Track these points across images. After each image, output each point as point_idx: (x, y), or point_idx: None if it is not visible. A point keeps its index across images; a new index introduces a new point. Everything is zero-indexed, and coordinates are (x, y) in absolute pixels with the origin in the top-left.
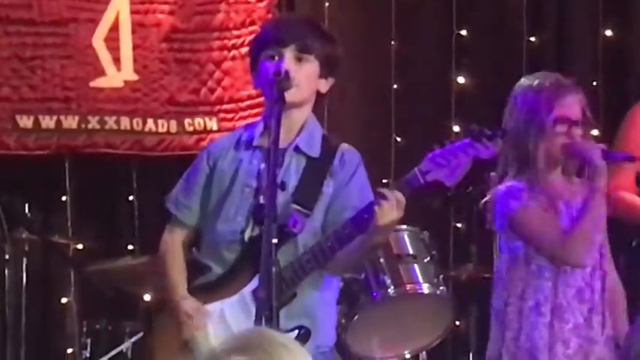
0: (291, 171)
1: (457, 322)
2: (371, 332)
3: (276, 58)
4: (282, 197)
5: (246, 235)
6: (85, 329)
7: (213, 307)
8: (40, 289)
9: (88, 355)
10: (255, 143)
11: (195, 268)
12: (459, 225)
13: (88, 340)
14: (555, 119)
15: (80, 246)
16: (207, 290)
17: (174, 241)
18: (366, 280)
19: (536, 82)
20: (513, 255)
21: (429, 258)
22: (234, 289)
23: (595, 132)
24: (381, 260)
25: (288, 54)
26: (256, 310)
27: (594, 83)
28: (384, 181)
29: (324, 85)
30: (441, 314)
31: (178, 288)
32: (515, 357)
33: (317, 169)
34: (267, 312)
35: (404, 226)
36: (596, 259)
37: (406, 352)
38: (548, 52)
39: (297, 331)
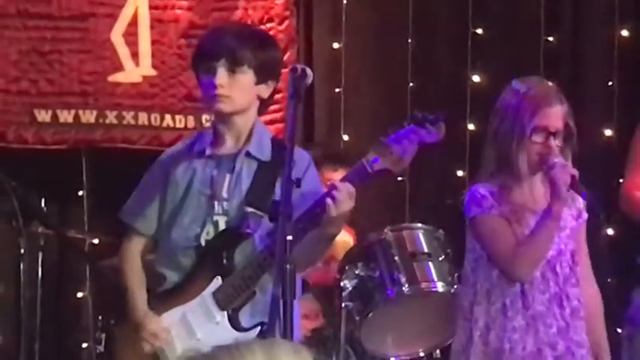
0: (243, 175)
1: None
2: (385, 330)
3: (210, 72)
4: (235, 200)
5: (202, 240)
6: (99, 324)
7: (175, 312)
8: (56, 284)
9: (102, 349)
10: (207, 152)
11: (151, 276)
12: None
13: (103, 335)
14: (534, 128)
15: (96, 241)
16: (166, 298)
17: (132, 252)
18: (381, 277)
19: (524, 89)
20: (478, 255)
21: (443, 256)
22: (193, 293)
23: (609, 132)
24: (396, 258)
25: (221, 68)
26: (270, 308)
27: (610, 83)
28: (400, 178)
29: (265, 90)
30: (455, 313)
31: (138, 303)
32: (484, 355)
33: (268, 172)
34: (280, 308)
35: (419, 224)
36: (570, 267)
37: (420, 350)
38: (564, 51)
39: (259, 328)
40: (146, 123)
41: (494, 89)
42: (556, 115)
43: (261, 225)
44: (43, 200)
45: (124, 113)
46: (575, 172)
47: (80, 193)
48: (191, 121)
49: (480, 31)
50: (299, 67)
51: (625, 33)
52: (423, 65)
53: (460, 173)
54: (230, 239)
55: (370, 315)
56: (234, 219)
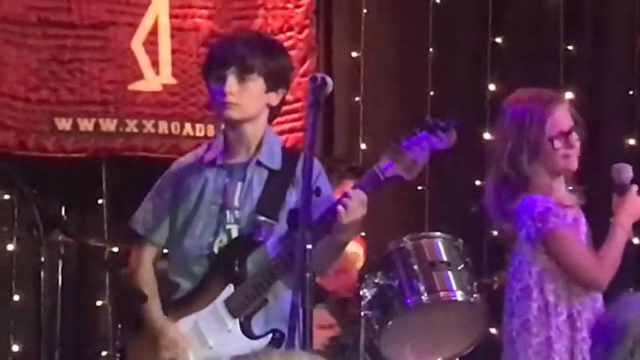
0: (254, 184)
1: (492, 330)
2: (404, 339)
3: (220, 80)
4: (247, 209)
5: (215, 248)
6: (119, 332)
7: (187, 320)
8: (76, 292)
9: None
10: (218, 162)
11: (165, 285)
12: (494, 232)
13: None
14: (551, 137)
15: (115, 249)
16: (178, 306)
17: (144, 261)
18: (400, 286)
19: (525, 100)
20: (542, 268)
21: (462, 265)
22: (206, 301)
23: (632, 141)
24: (415, 267)
25: (231, 76)
26: (290, 316)
27: (630, 92)
28: (419, 187)
29: (275, 99)
30: (474, 322)
31: (155, 312)
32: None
33: (279, 180)
34: (299, 316)
35: (438, 233)
36: None
37: (439, 359)
38: (584, 60)
39: (270, 335)
40: (166, 132)
41: None
42: (563, 113)
43: (273, 233)
44: (63, 209)
45: (144, 122)
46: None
47: (100, 201)
48: (211, 130)
49: (499, 40)
50: (319, 76)
51: None
52: (442, 74)
53: (478, 182)
54: (242, 247)
55: (389, 324)
56: (246, 227)
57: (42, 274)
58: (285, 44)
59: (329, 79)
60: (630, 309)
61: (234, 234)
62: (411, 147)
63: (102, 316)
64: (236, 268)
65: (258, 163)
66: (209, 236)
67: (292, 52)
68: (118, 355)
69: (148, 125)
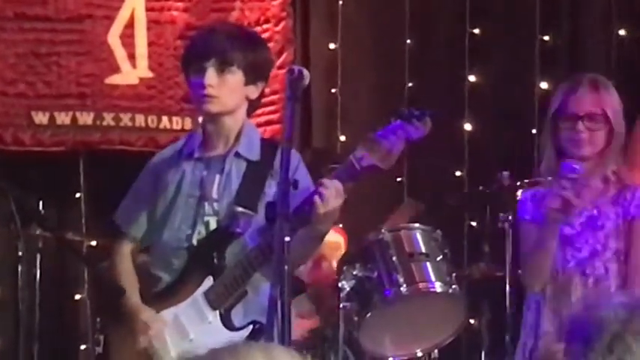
0: (232, 176)
1: (471, 321)
2: (383, 330)
3: (199, 73)
4: (225, 200)
5: (194, 240)
6: (98, 326)
7: (167, 313)
8: (54, 286)
9: (101, 351)
10: (196, 155)
11: (147, 278)
12: (473, 223)
13: (101, 337)
14: (558, 114)
15: (94, 243)
16: (159, 298)
17: (123, 253)
18: (379, 278)
19: (565, 83)
20: None
21: (441, 256)
22: (185, 293)
23: None
24: (394, 258)
25: (210, 68)
26: (268, 309)
27: None
28: (399, 179)
29: (254, 91)
30: (453, 313)
31: (132, 299)
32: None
33: (258, 172)
34: (277, 309)
35: (416, 225)
36: (610, 268)
37: (418, 350)
38: (561, 51)
39: (251, 327)
40: (143, 125)
41: (492, 89)
42: (583, 97)
43: (252, 224)
44: (40, 202)
45: (121, 115)
46: (568, 195)
47: (78, 195)
48: (188, 123)
49: (477, 30)
50: (296, 68)
51: (622, 32)
52: (420, 65)
53: (458, 173)
54: (220, 239)
55: (368, 315)
56: (224, 219)
57: (19, 268)
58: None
59: (306, 72)
60: (602, 306)
61: (213, 226)
62: (386, 136)
63: (81, 310)
64: (215, 260)
65: (237, 155)
66: (187, 229)
67: (269, 45)
68: (98, 348)
69: (125, 118)
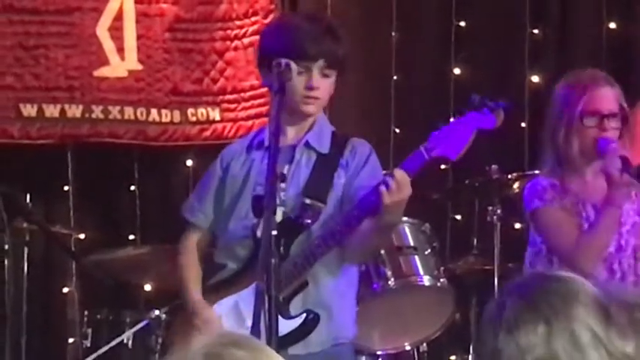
0: (302, 165)
1: (457, 315)
2: (371, 324)
3: (306, 73)
4: (292, 190)
5: (258, 231)
6: (86, 319)
7: (228, 300)
8: (41, 279)
9: (89, 344)
10: (266, 144)
11: (213, 268)
12: (457, 217)
13: (89, 330)
14: (582, 112)
15: (82, 236)
16: (223, 286)
17: (189, 244)
18: (367, 271)
19: (572, 78)
20: (537, 249)
21: (429, 250)
22: (247, 282)
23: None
24: (382, 252)
25: (316, 69)
26: (255, 302)
27: None
28: (384, 172)
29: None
30: (441, 306)
31: (193, 294)
32: None
33: (327, 163)
34: (265, 302)
35: (405, 218)
36: (631, 264)
37: (406, 343)
38: (550, 44)
39: (304, 315)
40: (132, 117)
41: (478, 82)
42: (607, 97)
43: (321, 215)
44: (28, 195)
45: (110, 108)
46: (626, 154)
47: (66, 188)
48: (177, 116)
49: (463, 23)
50: (283, 61)
51: (613, 25)
52: (406, 58)
53: (444, 167)
54: (289, 230)
55: (356, 309)
56: (291, 209)
57: (6, 261)
58: (250, 29)
59: (293, 65)
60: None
61: (279, 216)
62: (457, 126)
63: (68, 303)
64: (281, 250)
65: (307, 145)
66: (253, 217)
67: (257, 37)
68: (85, 341)
69: (114, 111)
